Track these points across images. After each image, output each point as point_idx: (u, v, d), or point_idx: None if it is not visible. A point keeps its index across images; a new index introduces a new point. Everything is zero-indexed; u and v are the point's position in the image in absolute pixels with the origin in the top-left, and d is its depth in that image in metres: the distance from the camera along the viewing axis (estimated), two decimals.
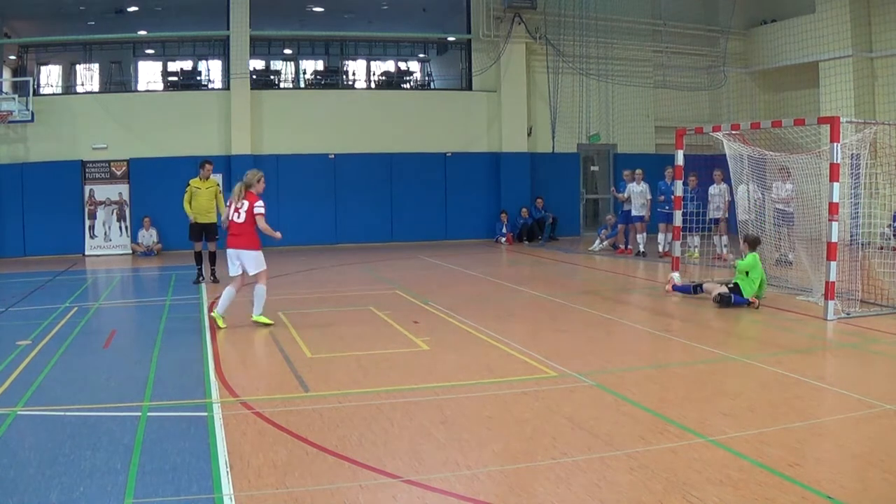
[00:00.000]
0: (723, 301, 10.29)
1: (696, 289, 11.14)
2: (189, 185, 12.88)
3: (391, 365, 7.56)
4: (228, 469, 4.81)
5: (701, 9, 22.49)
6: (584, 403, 6.21)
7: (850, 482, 4.56)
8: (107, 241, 18.86)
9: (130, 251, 18.75)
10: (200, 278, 13.20)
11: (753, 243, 10.86)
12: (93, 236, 18.82)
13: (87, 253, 18.62)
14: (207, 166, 13.06)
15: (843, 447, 5.18)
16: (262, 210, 9.21)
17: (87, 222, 18.79)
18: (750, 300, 10.29)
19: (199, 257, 13.19)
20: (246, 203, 9.20)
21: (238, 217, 9.22)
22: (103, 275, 15.69)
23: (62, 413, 5.98)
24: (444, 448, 5.22)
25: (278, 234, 9.42)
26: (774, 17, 21.37)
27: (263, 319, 9.40)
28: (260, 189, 9.39)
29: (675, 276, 11.91)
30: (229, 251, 9.30)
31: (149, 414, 5.99)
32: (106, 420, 5.86)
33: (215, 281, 12.96)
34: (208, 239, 12.95)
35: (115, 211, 18.90)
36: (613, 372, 7.21)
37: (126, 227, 18.95)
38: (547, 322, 9.85)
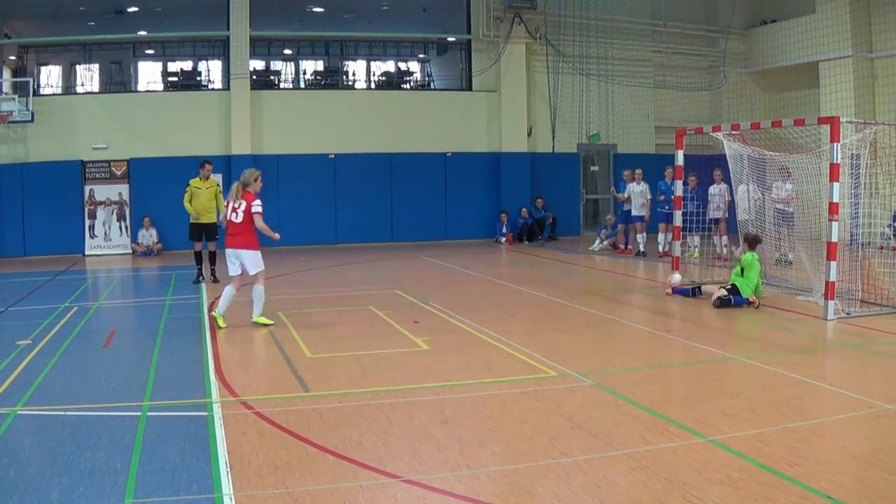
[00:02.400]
0: (723, 304, 10.30)
1: (696, 291, 11.14)
2: (189, 185, 12.90)
3: (391, 365, 7.56)
4: (228, 469, 4.81)
5: (701, 9, 22.50)
6: (584, 403, 6.21)
7: (850, 482, 4.56)
8: (107, 240, 18.87)
9: (130, 251, 18.76)
10: (200, 278, 13.21)
11: (753, 242, 10.87)
12: (93, 236, 18.82)
13: (87, 253, 18.63)
14: (207, 166, 13.08)
15: (843, 447, 5.18)
16: (260, 209, 9.18)
17: (87, 222, 18.80)
18: (750, 299, 10.30)
19: (198, 257, 13.21)
20: (244, 203, 9.18)
21: (236, 217, 9.20)
22: (103, 275, 15.69)
23: (62, 413, 5.98)
24: (444, 448, 5.22)
25: (277, 235, 9.37)
26: (774, 18, 21.37)
27: (263, 320, 9.41)
28: (257, 188, 9.35)
29: (676, 277, 11.90)
30: (228, 251, 9.30)
31: (149, 414, 5.99)
32: (106, 420, 5.86)
33: (215, 281, 12.97)
34: (208, 239, 12.97)
35: (115, 211, 18.91)
36: (613, 372, 7.21)
37: (126, 227, 18.96)
38: (547, 322, 9.85)
